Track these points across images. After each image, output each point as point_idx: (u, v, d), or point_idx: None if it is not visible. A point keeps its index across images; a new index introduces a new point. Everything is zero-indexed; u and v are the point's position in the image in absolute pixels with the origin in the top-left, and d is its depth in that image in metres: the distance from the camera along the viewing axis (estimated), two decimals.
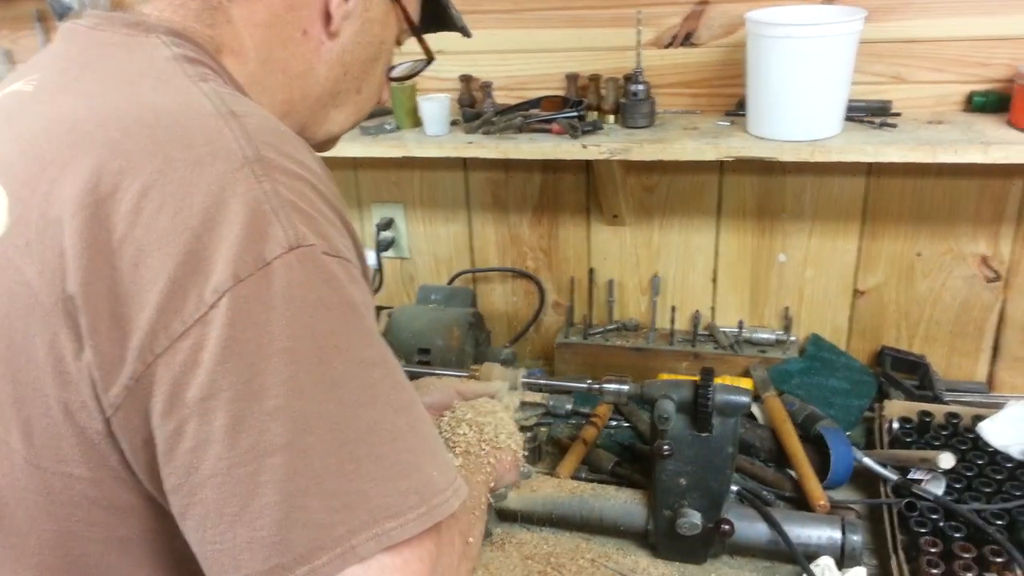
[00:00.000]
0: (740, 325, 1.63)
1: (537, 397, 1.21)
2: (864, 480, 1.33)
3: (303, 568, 0.52)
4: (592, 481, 1.37)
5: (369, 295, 0.62)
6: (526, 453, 1.07)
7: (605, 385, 1.19)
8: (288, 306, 0.54)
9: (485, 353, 1.68)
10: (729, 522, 1.16)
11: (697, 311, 1.67)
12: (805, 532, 1.16)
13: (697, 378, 1.13)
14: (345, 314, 0.57)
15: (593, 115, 1.50)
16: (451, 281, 1.81)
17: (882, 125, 1.32)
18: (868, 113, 1.37)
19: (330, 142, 0.87)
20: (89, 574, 0.62)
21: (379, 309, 1.71)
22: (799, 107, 1.27)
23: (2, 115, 0.67)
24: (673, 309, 1.64)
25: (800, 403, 1.48)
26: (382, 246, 1.80)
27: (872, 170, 1.48)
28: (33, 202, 0.58)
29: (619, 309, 1.74)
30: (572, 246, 1.72)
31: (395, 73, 0.93)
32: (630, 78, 1.44)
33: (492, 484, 0.98)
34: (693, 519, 1.16)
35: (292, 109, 0.77)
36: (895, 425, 1.42)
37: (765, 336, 1.63)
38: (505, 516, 1.29)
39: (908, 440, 1.35)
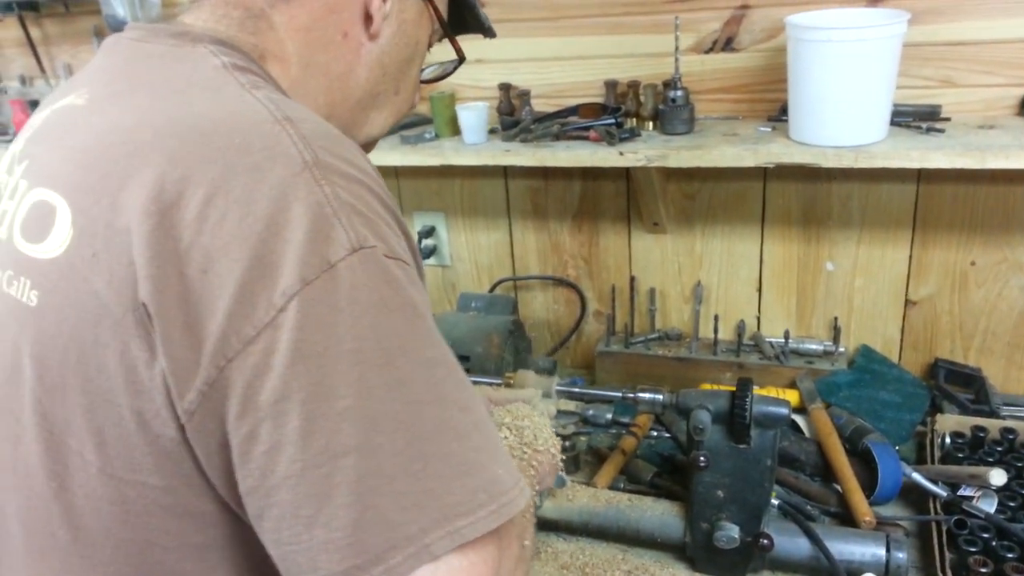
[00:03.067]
0: (786, 335, 1.59)
1: (571, 406, 1.20)
2: (914, 496, 1.29)
3: (379, 568, 0.53)
4: (630, 492, 1.35)
5: (426, 296, 0.63)
6: (563, 458, 1.07)
7: (640, 394, 1.17)
8: (353, 308, 0.55)
9: (525, 361, 1.68)
10: (768, 536, 1.13)
11: (742, 320, 1.64)
12: (848, 548, 1.13)
13: (734, 388, 1.11)
14: (407, 314, 0.57)
15: (631, 122, 1.49)
16: (492, 289, 1.81)
17: (929, 130, 1.28)
18: (916, 118, 1.33)
19: (370, 145, 0.87)
20: None
21: None
22: (842, 112, 1.24)
23: (57, 129, 0.69)
24: (716, 318, 1.61)
25: (848, 416, 1.43)
26: (424, 254, 1.82)
27: (922, 176, 1.44)
28: (97, 213, 0.59)
29: (661, 318, 1.71)
30: (613, 254, 1.71)
31: (426, 75, 0.93)
32: (669, 84, 1.42)
33: (536, 489, 0.97)
34: (731, 532, 1.13)
35: (333, 112, 0.77)
36: (947, 440, 1.37)
37: (812, 347, 1.59)
38: (542, 525, 1.28)
39: (960, 456, 1.30)
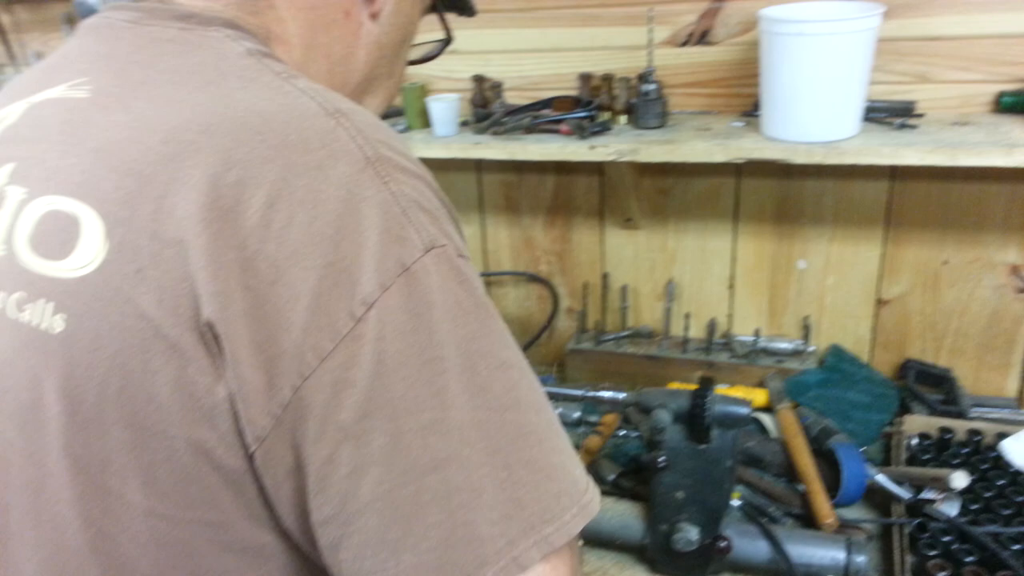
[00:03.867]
0: (756, 333, 1.57)
1: None
2: (879, 499, 1.27)
3: None
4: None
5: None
6: None
7: (601, 393, 1.15)
8: (431, 312, 0.51)
9: None
10: (726, 539, 1.11)
11: (713, 319, 1.62)
12: (808, 551, 1.11)
13: (699, 387, 1.09)
14: (481, 315, 0.54)
15: (605, 116, 1.47)
16: None
17: (902, 126, 1.26)
18: (890, 114, 1.31)
19: None
20: None
21: None
22: (813, 107, 1.22)
23: (51, 126, 0.61)
24: (687, 316, 1.59)
25: (815, 416, 1.42)
26: None
27: (895, 174, 1.42)
28: (138, 224, 0.52)
29: (633, 315, 1.70)
30: (586, 250, 1.69)
31: (413, 55, 0.86)
32: (642, 77, 1.40)
33: None
34: (689, 535, 1.12)
35: None
36: (913, 441, 1.35)
37: (783, 346, 1.57)
38: None
39: (926, 457, 1.29)
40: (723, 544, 1.11)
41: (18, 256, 0.56)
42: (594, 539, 1.22)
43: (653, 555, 1.18)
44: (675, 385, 1.53)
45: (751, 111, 1.42)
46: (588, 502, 0.55)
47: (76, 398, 0.54)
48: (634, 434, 1.48)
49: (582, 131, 1.38)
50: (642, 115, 1.40)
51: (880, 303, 1.53)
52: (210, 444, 0.52)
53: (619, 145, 1.34)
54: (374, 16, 0.73)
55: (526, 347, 1.78)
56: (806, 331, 1.56)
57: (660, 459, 1.10)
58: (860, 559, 1.09)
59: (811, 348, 1.56)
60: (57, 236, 0.55)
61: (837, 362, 1.54)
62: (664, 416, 1.08)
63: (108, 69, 0.62)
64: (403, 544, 0.50)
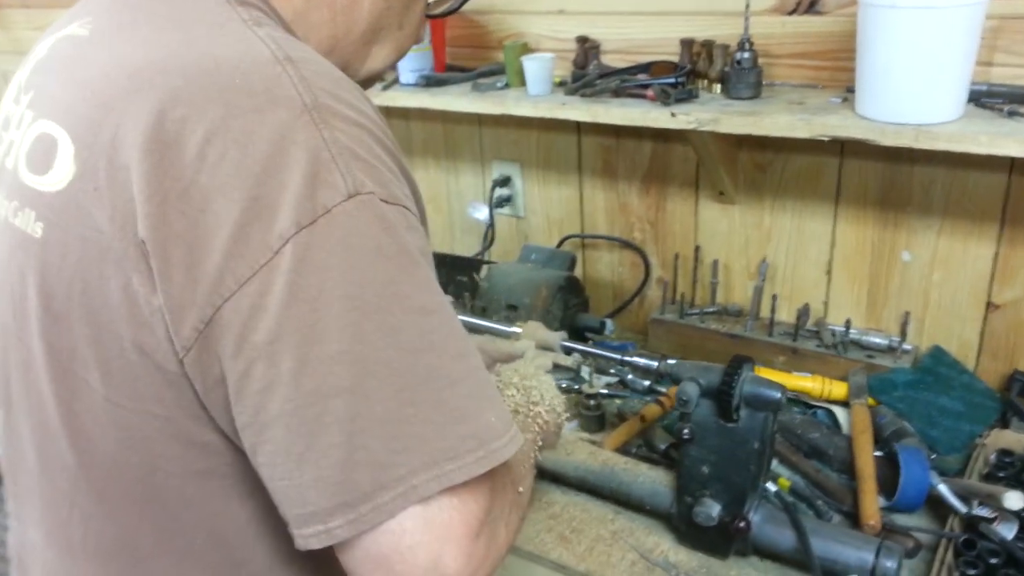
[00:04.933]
0: (847, 324, 1.49)
1: (569, 361, 1.20)
2: (942, 510, 1.19)
3: (367, 505, 0.55)
4: (642, 458, 1.34)
5: (426, 242, 0.63)
6: (567, 416, 1.06)
7: (635, 359, 1.15)
8: (348, 253, 0.55)
9: (575, 318, 1.68)
10: (746, 520, 1.09)
11: (806, 304, 1.55)
12: (836, 548, 1.06)
13: (730, 364, 1.07)
14: (403, 261, 0.58)
15: (700, 83, 1.43)
16: (560, 244, 1.82)
17: (1011, 114, 1.14)
18: (1008, 100, 1.19)
19: (371, 80, 0.86)
20: (170, 504, 0.65)
21: (485, 263, 1.76)
22: (907, 86, 1.13)
23: (60, 59, 0.69)
24: (774, 298, 1.53)
25: (893, 416, 1.33)
26: (498, 202, 1.85)
27: (1015, 167, 1.28)
28: (99, 148, 0.59)
29: (723, 292, 1.65)
30: (679, 220, 1.66)
31: (432, 9, 0.89)
32: (739, 45, 1.35)
33: (539, 444, 0.97)
34: (710, 510, 1.10)
35: (336, 46, 0.75)
36: (991, 456, 1.24)
37: (877, 340, 1.47)
38: (539, 475, 1.30)
39: (1000, 475, 1.18)
40: (741, 524, 1.08)
41: (19, 170, 0.67)
42: (626, 502, 1.23)
43: (678, 525, 1.17)
44: (760, 370, 1.48)
45: (855, 87, 1.33)
46: (498, 448, 0.58)
47: (48, 295, 0.63)
48: None
49: (666, 97, 1.35)
50: (734, 84, 1.36)
51: (991, 306, 1.39)
52: (150, 347, 0.59)
53: (700, 114, 1.31)
54: None
55: (615, 312, 1.78)
56: (904, 328, 1.46)
57: (685, 431, 1.09)
58: (889, 564, 1.03)
59: (907, 346, 1.45)
60: (42, 155, 0.64)
61: (935, 364, 1.43)
62: (691, 390, 1.07)
63: (107, 11, 0.70)
64: (305, 459, 0.55)
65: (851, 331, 1.48)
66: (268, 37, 0.62)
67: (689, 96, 1.36)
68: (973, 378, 1.42)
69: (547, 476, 1.30)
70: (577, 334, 1.70)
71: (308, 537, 0.56)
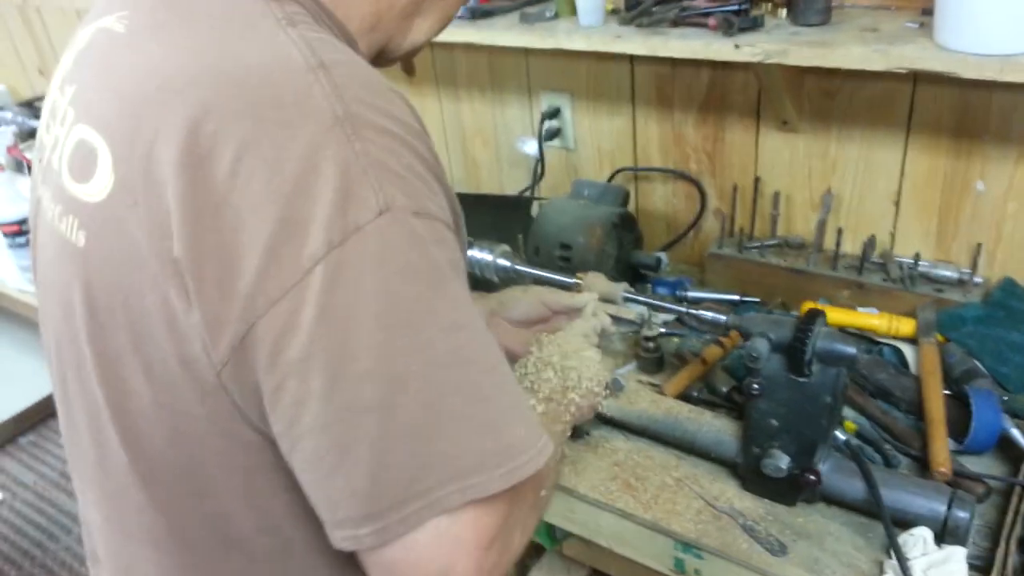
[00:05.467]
0: (916, 257, 1.44)
1: (631, 315, 1.18)
2: (1015, 452, 1.17)
3: (394, 516, 0.57)
4: (704, 402, 1.33)
5: (458, 253, 0.62)
6: (607, 394, 1.05)
7: (702, 313, 1.13)
8: (379, 271, 0.55)
9: (630, 255, 1.65)
10: (816, 473, 1.08)
11: (873, 236, 1.50)
12: (907, 498, 1.06)
13: (804, 318, 1.04)
14: (433, 277, 0.58)
15: (765, 7, 1.34)
16: (612, 177, 1.77)
17: None
18: None
19: (415, 51, 0.84)
20: (218, 496, 0.68)
21: (535, 200, 1.72)
22: (990, 13, 1.04)
23: (98, 54, 0.68)
24: (839, 231, 1.48)
25: (963, 355, 1.30)
26: (547, 135, 1.79)
27: None
28: (136, 161, 0.60)
29: (784, 224, 1.60)
30: (738, 151, 1.60)
31: None
32: None
33: (569, 432, 0.98)
34: (779, 462, 1.10)
35: (379, 22, 0.74)
36: None
37: (946, 273, 1.43)
38: (603, 422, 1.31)
39: None
40: (811, 478, 1.08)
41: (62, 174, 0.67)
42: (689, 449, 1.24)
43: (744, 474, 1.18)
44: (816, 305, 1.45)
45: (932, 9, 1.24)
46: (524, 463, 0.59)
47: (92, 304, 0.65)
48: None
49: (729, 27, 1.28)
50: (802, 9, 1.27)
51: None
52: (189, 358, 0.60)
53: (767, 45, 1.23)
54: None
55: (669, 246, 1.75)
56: (975, 260, 1.41)
57: (754, 386, 1.08)
58: (962, 515, 1.02)
59: (979, 279, 1.41)
60: (83, 162, 0.64)
61: (1006, 297, 1.38)
62: (761, 346, 1.04)
63: (143, 5, 0.68)
64: (337, 471, 0.57)
65: (919, 264, 1.44)
66: (301, 40, 0.60)
67: (754, 24, 1.28)
68: None
69: (612, 423, 1.30)
70: (632, 271, 1.68)
71: (339, 540, 0.59)
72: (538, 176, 1.83)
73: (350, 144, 0.56)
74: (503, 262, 1.30)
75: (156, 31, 0.65)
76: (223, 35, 0.62)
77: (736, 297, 1.58)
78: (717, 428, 1.20)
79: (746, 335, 1.08)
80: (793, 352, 1.03)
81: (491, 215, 1.60)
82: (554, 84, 1.76)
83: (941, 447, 1.14)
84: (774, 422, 1.10)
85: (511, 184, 1.98)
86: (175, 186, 0.57)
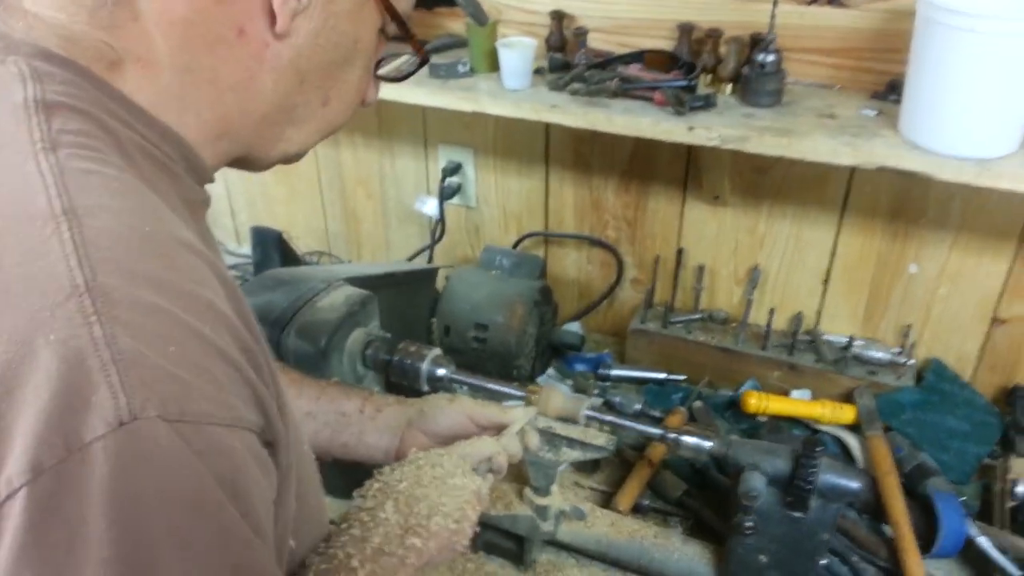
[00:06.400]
0: (851, 338, 1.40)
1: (601, 439, 1.03)
2: (974, 555, 1.14)
3: None
4: (657, 510, 1.22)
5: (248, 463, 0.47)
6: (477, 530, 0.83)
7: (683, 437, 1.00)
8: (111, 505, 0.41)
9: (551, 334, 1.51)
10: None
11: (800, 312, 1.44)
12: None
13: (803, 450, 0.94)
14: (191, 510, 0.43)
15: (706, 80, 1.24)
16: (519, 242, 1.62)
17: None
18: None
19: (290, 160, 0.68)
20: None
21: (438, 269, 1.53)
22: (971, 117, 1.00)
23: None
24: (772, 312, 1.41)
25: (909, 448, 1.27)
26: (447, 193, 1.61)
27: None
28: None
29: (707, 298, 1.52)
30: (661, 221, 1.50)
31: (383, 72, 0.71)
32: (758, 43, 1.17)
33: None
34: None
35: (229, 129, 0.60)
36: (1019, 489, 1.20)
37: (878, 355, 1.39)
38: (556, 547, 1.15)
39: None
40: None
41: None
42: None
43: None
44: (753, 395, 1.37)
45: (883, 94, 1.19)
46: None
47: None
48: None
49: (680, 104, 1.16)
50: (754, 90, 1.18)
51: (996, 321, 1.34)
52: None
53: (724, 129, 1.13)
54: (281, 36, 0.57)
55: (582, 314, 1.62)
56: (904, 340, 1.39)
57: (747, 524, 0.96)
58: None
59: (910, 361, 1.38)
60: None
61: (938, 381, 1.37)
62: (757, 483, 0.93)
63: None
64: None
65: (853, 343, 1.40)
66: (54, 172, 0.46)
67: (706, 104, 1.17)
68: (974, 393, 1.37)
69: (565, 548, 1.15)
70: (552, 352, 1.54)
71: None
72: (437, 238, 1.64)
73: (88, 327, 0.42)
74: (440, 371, 1.11)
75: None
76: None
77: (661, 375, 1.48)
78: (690, 557, 1.08)
79: (736, 467, 0.97)
80: (795, 488, 0.93)
81: (391, 291, 1.39)
82: (454, 138, 1.58)
83: (915, 564, 1.08)
84: (763, 558, 1.00)
85: (399, 243, 1.77)
86: None
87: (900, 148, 1.06)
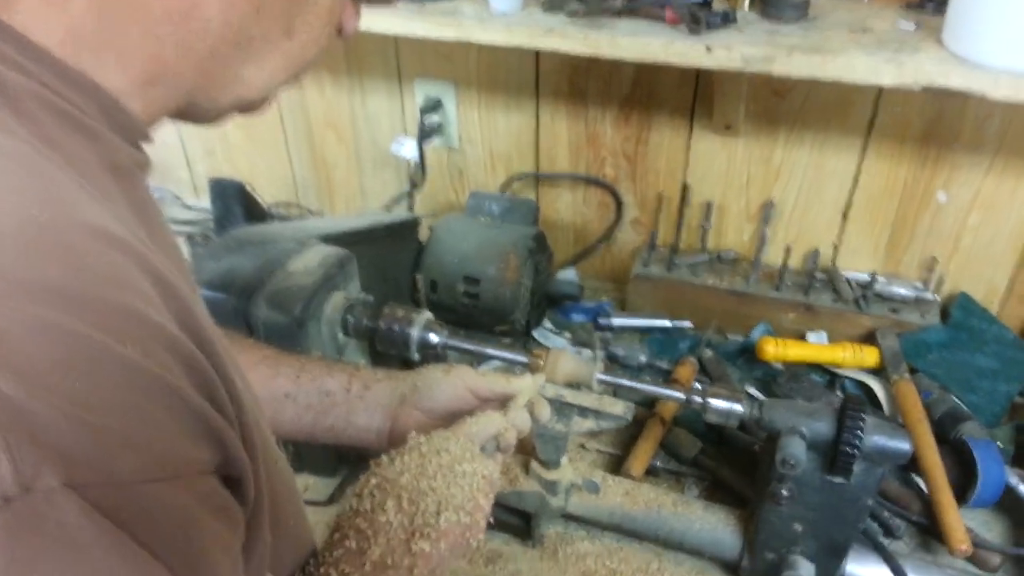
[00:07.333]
0: (873, 274, 1.29)
1: (618, 407, 0.92)
2: (1011, 502, 1.06)
3: None
4: (671, 472, 1.12)
5: (197, 513, 0.37)
6: (491, 521, 0.71)
7: (714, 402, 0.90)
8: None
9: (547, 284, 1.39)
10: None
11: (816, 250, 1.34)
12: None
13: (847, 411, 0.84)
14: None
15: None
16: (508, 184, 1.48)
17: None
18: None
19: (251, 107, 0.54)
20: None
21: (420, 219, 1.40)
22: None
23: None
24: (788, 249, 1.30)
25: (939, 392, 1.18)
26: (426, 133, 1.46)
27: None
28: None
29: (715, 237, 1.41)
30: (665, 155, 1.37)
31: None
32: None
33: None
34: (801, 570, 0.91)
35: (165, 71, 0.47)
36: None
37: (901, 291, 1.29)
38: (567, 520, 1.06)
39: None
40: None
41: None
42: (677, 546, 1.02)
43: None
44: (769, 341, 1.27)
45: (919, 4, 1.06)
46: None
47: None
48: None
49: (695, 22, 1.02)
50: (776, 3, 1.04)
51: None
52: None
53: (746, 48, 0.99)
54: None
55: (578, 259, 1.51)
56: (929, 275, 1.29)
57: (783, 492, 0.87)
58: None
59: (936, 297, 1.29)
60: None
61: (965, 317, 1.28)
62: (797, 449, 0.83)
63: None
64: None
65: (875, 281, 1.29)
66: None
67: (725, 20, 1.03)
68: (1002, 328, 1.28)
69: (577, 521, 1.05)
70: (549, 303, 1.42)
71: None
72: (417, 184, 1.50)
73: None
74: (432, 337, 0.99)
75: None
76: None
77: (666, 323, 1.38)
78: (713, 524, 0.99)
79: (773, 432, 0.87)
80: (838, 453, 0.83)
81: (370, 247, 1.25)
82: (432, 71, 1.43)
83: (955, 519, 1.00)
84: (798, 527, 0.90)
85: (375, 191, 1.63)
86: None
87: (948, 63, 0.93)
